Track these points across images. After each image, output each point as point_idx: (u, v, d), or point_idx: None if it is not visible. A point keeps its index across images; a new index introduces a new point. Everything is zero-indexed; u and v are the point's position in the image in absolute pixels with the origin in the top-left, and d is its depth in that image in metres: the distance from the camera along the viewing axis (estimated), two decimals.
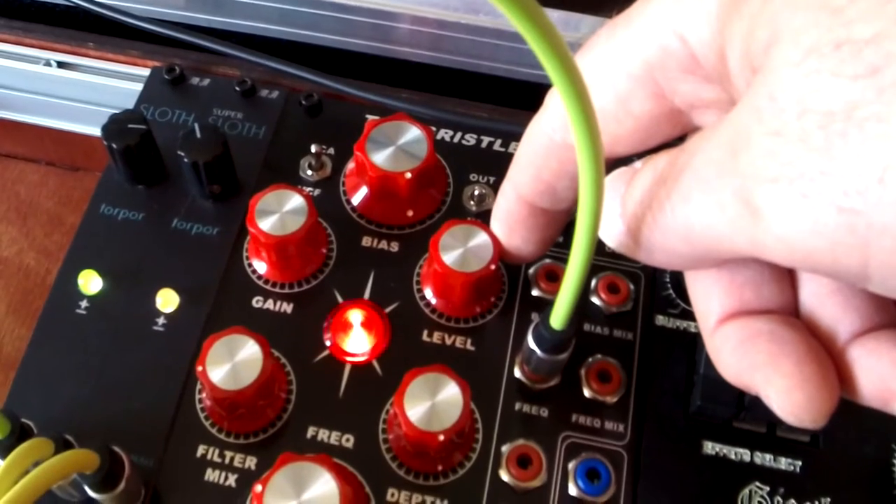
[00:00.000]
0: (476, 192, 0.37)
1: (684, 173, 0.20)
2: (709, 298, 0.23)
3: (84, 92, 0.44)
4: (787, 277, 0.23)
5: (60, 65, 0.44)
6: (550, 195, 0.28)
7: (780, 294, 0.23)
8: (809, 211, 0.17)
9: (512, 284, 0.35)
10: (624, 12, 0.23)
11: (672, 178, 0.21)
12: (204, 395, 0.32)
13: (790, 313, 0.23)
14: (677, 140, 0.23)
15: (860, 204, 0.16)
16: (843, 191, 0.16)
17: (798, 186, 0.17)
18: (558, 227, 0.30)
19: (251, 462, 0.31)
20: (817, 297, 0.22)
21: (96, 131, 0.46)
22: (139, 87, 0.40)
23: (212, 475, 0.31)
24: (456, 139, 0.39)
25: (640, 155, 0.24)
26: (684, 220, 0.21)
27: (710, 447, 0.32)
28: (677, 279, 0.35)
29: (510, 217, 0.30)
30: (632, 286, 0.35)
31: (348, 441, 0.31)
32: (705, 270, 0.23)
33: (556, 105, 0.26)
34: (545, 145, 0.26)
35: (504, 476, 0.31)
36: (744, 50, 0.19)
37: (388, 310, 0.34)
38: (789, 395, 0.20)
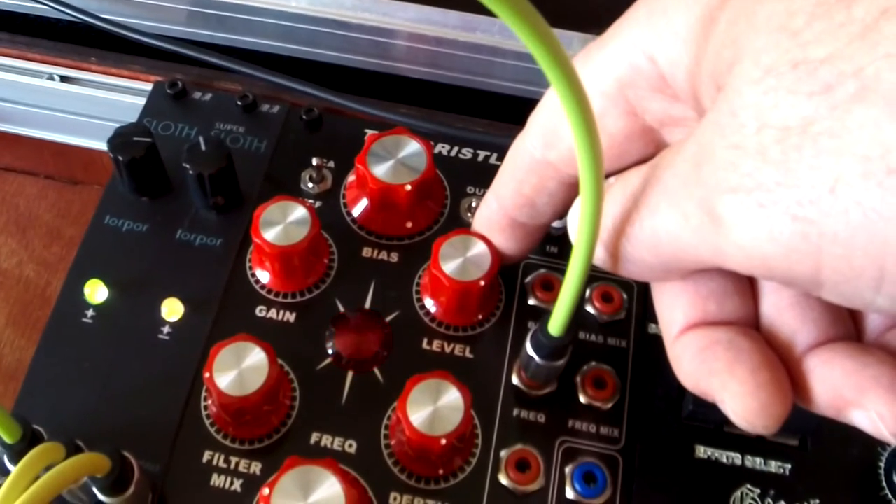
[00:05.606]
0: (473, 204, 0.38)
1: (653, 186, 0.22)
2: (673, 309, 0.24)
3: (87, 106, 0.45)
4: (749, 291, 0.24)
5: (63, 79, 0.45)
6: (529, 209, 0.29)
7: (741, 306, 0.24)
8: (766, 219, 0.18)
9: (508, 293, 0.36)
10: (600, 36, 0.24)
11: (641, 192, 0.22)
12: (210, 401, 0.32)
13: (751, 325, 0.23)
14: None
15: (813, 213, 0.17)
16: (798, 201, 0.17)
17: (756, 196, 0.18)
18: (534, 240, 0.32)
19: (256, 467, 0.32)
20: (777, 310, 0.23)
21: (98, 145, 0.47)
22: (141, 101, 0.41)
23: (217, 480, 0.31)
24: (453, 153, 0.40)
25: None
26: (651, 230, 0.22)
27: (702, 451, 0.33)
28: None
29: (490, 224, 0.32)
30: (625, 295, 0.36)
31: (351, 447, 0.32)
32: (671, 282, 0.24)
33: (537, 124, 0.27)
34: (527, 161, 0.28)
35: (503, 480, 0.32)
36: (709, 69, 0.20)
37: (388, 319, 0.35)
38: (743, 401, 0.21)
